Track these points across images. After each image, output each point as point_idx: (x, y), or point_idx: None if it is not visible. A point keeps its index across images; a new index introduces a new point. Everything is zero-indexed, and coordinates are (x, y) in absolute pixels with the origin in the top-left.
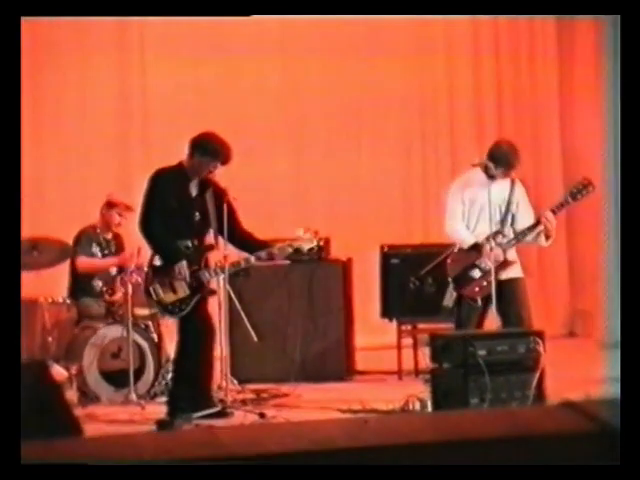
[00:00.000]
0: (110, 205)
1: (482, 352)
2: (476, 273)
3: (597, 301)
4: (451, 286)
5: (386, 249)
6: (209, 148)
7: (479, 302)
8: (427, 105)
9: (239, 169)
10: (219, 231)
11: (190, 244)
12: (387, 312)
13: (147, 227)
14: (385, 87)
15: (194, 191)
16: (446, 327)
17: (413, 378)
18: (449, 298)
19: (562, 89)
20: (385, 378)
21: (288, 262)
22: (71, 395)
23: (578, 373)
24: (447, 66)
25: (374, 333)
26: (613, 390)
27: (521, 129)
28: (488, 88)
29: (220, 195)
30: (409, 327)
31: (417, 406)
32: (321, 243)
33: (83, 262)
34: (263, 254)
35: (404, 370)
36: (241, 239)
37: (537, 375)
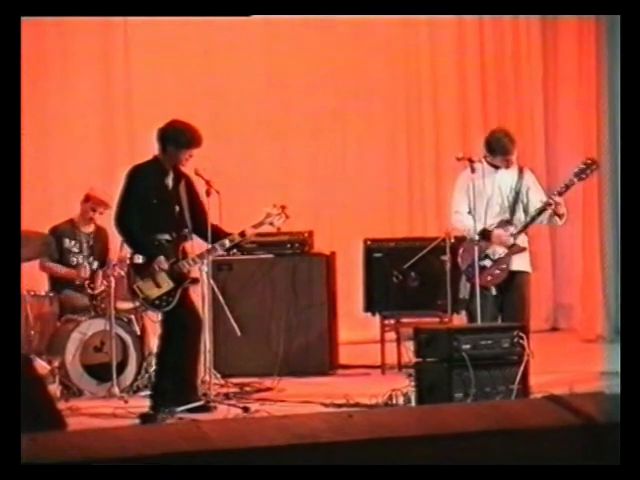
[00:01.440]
0: (86, 199)
1: (466, 346)
2: (487, 262)
3: (580, 296)
4: (464, 278)
5: (369, 243)
6: (181, 139)
7: (493, 291)
8: (412, 100)
9: (222, 161)
10: (192, 222)
11: (169, 237)
12: (370, 306)
13: (123, 224)
14: (370, 81)
15: (170, 184)
16: (429, 321)
17: (396, 372)
18: (463, 290)
19: (546, 85)
20: (368, 372)
21: (271, 256)
22: (53, 389)
23: (561, 367)
24: (432, 60)
25: (357, 327)
26: (598, 384)
27: (505, 125)
28: (473, 82)
29: (192, 186)
30: (392, 321)
31: (401, 400)
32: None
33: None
34: (227, 242)
35: (387, 364)
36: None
37: (521, 369)
